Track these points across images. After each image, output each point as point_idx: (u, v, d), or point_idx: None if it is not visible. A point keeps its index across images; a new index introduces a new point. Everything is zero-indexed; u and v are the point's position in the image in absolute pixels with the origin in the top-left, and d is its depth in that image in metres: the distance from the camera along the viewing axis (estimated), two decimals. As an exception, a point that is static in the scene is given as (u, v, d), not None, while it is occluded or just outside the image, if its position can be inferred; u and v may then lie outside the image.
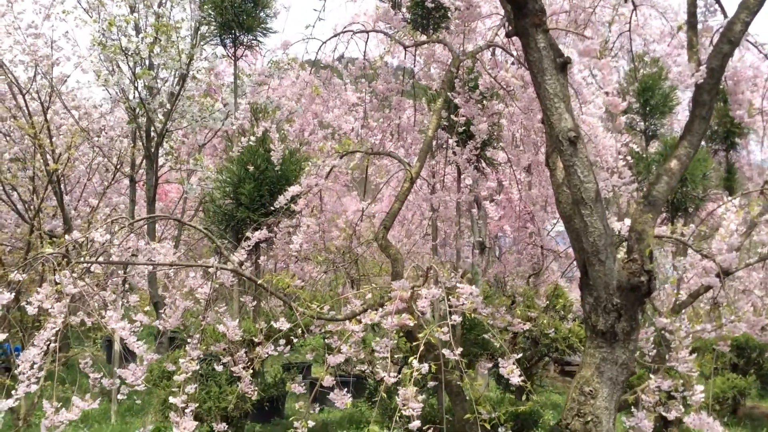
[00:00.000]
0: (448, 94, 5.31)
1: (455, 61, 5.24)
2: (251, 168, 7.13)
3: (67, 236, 5.36)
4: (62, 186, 10.17)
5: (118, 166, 10.47)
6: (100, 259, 5.14)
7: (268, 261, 6.92)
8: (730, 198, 6.19)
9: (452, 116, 5.86)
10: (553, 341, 8.81)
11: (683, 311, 5.75)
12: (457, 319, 3.91)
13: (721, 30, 3.99)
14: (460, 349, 3.81)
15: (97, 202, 10.68)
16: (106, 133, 10.74)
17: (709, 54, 3.92)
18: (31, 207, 9.51)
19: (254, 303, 6.21)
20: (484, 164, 8.00)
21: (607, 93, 4.81)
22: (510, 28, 3.78)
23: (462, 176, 7.58)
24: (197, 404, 5.27)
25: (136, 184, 10.29)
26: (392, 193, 7.71)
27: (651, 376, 4.33)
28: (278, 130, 6.48)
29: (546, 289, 8.89)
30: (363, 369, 6.42)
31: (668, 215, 9.01)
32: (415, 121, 6.71)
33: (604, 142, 5.99)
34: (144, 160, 9.58)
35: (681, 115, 11.32)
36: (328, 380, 4.70)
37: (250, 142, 6.38)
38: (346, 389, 4.57)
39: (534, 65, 3.72)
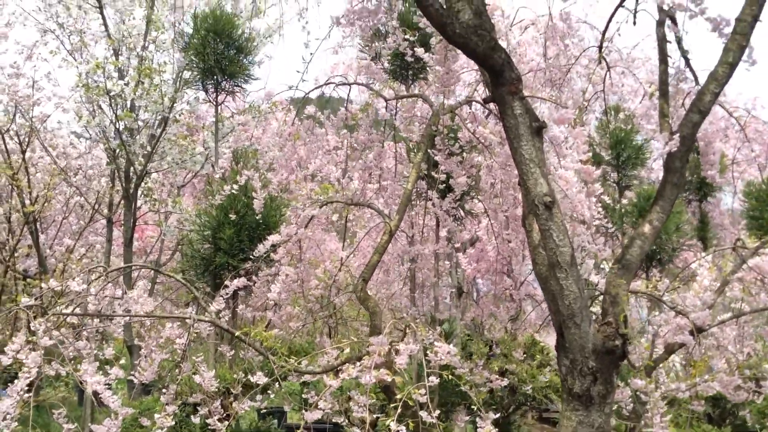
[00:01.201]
0: (429, 151, 5.40)
1: (435, 117, 5.34)
2: (233, 215, 7.14)
3: (43, 285, 5.32)
4: (38, 225, 10.08)
5: (96, 207, 10.40)
6: (77, 310, 5.08)
7: (246, 309, 6.88)
8: (703, 255, 6.34)
9: (433, 173, 5.95)
10: (532, 389, 8.82)
11: (659, 366, 5.82)
12: (434, 380, 3.92)
13: (692, 99, 4.14)
14: (437, 412, 3.81)
15: (73, 243, 10.57)
16: (84, 172, 10.69)
17: (680, 122, 4.05)
18: (6, 247, 9.38)
19: (232, 352, 6.16)
20: (462, 213, 8.09)
21: (581, 161, 4.93)
22: (487, 94, 3.88)
23: (440, 226, 7.67)
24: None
25: (113, 224, 10.22)
26: (372, 244, 7.75)
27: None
28: (260, 178, 6.50)
29: (524, 338, 8.92)
30: (340, 420, 6.36)
31: (644, 266, 9.14)
32: (396, 172, 6.79)
33: (580, 197, 6.10)
34: (122, 201, 9.54)
35: (655, 164, 11.59)
36: (309, 416, 4.63)
37: (233, 191, 6.38)
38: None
39: (510, 131, 3.82)
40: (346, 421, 7.15)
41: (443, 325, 8.79)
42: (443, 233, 7.82)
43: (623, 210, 9.44)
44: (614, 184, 9.49)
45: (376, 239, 6.96)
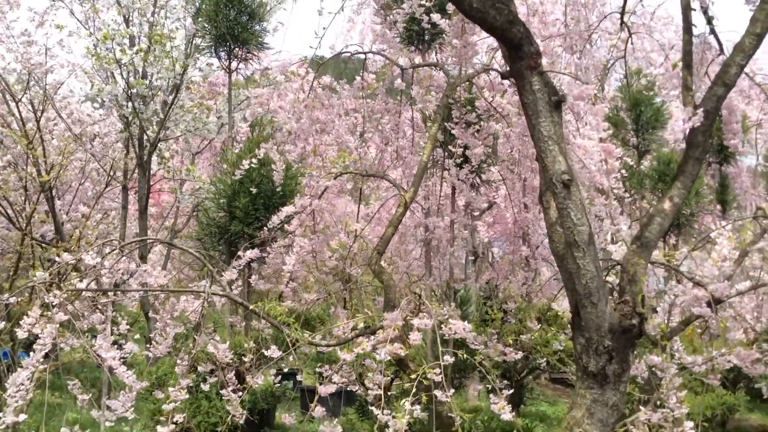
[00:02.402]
0: (445, 124, 5.29)
1: (451, 89, 5.22)
2: (253, 189, 7.08)
3: (57, 258, 5.34)
4: (53, 192, 10.11)
5: (111, 174, 10.41)
6: (92, 284, 5.11)
7: (260, 281, 6.89)
8: (722, 223, 6.22)
9: (449, 146, 5.85)
10: (544, 354, 8.83)
11: (676, 337, 5.77)
12: (449, 359, 3.90)
13: (717, 69, 4.00)
14: (452, 391, 3.81)
15: (90, 210, 10.61)
16: (100, 139, 10.67)
17: (703, 96, 3.92)
18: (23, 215, 9.45)
19: (243, 323, 6.20)
20: (479, 181, 8.00)
21: (601, 139, 4.81)
22: (505, 64, 3.77)
23: (456, 194, 7.59)
24: (185, 419, 5.27)
25: (129, 191, 10.25)
26: (387, 216, 7.70)
27: (641, 408, 4.35)
28: (278, 150, 6.41)
29: (539, 304, 8.90)
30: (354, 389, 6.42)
31: (661, 232, 9.01)
32: (413, 142, 6.70)
33: (599, 166, 5.99)
34: (136, 169, 9.54)
35: (674, 126, 11.34)
36: (323, 390, 4.67)
37: (252, 164, 6.26)
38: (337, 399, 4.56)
39: (528, 107, 3.72)
40: (362, 387, 7.23)
41: (459, 292, 8.77)
42: (460, 202, 7.74)
43: (643, 174, 9.31)
44: (633, 148, 9.32)
45: (392, 210, 6.90)
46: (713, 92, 3.84)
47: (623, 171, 9.60)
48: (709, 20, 4.46)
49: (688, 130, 3.89)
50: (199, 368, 6.05)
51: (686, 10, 4.39)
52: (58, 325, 4.56)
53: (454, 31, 5.26)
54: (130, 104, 8.65)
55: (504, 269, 10.98)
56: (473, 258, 10.97)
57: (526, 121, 3.81)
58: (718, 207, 10.67)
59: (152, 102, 9.06)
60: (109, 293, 5.33)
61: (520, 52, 3.64)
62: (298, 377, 7.05)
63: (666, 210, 3.92)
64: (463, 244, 10.47)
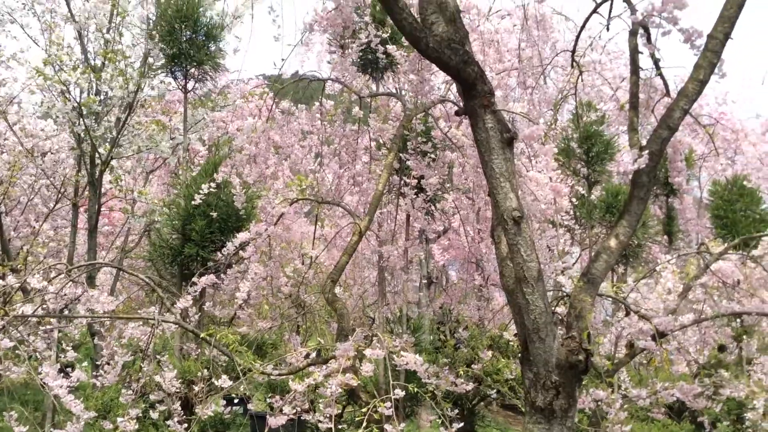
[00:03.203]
0: (401, 155, 5.35)
1: (407, 119, 5.30)
2: (213, 213, 6.97)
3: (0, 281, 5.19)
4: (1, 206, 9.85)
5: (62, 191, 10.17)
6: (38, 309, 4.97)
7: (214, 307, 6.81)
8: (667, 258, 6.43)
9: (405, 178, 5.92)
10: (495, 382, 8.91)
11: (621, 369, 5.91)
12: (400, 393, 3.92)
13: (662, 110, 4.15)
14: (402, 425, 3.82)
15: (39, 226, 10.35)
16: (51, 154, 10.43)
17: (648, 138, 4.06)
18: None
19: (197, 349, 6.11)
20: (433, 208, 8.08)
21: (550, 178, 4.93)
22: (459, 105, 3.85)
23: (411, 221, 7.65)
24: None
25: (79, 209, 10.01)
26: (342, 243, 7.71)
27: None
28: (237, 173, 6.33)
29: (489, 333, 9.00)
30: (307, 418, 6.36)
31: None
32: (370, 168, 6.74)
33: (549, 199, 6.13)
34: (87, 186, 9.34)
35: (625, 157, 11.68)
36: (273, 422, 4.62)
37: (211, 188, 6.15)
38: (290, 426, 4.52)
39: (481, 144, 3.80)
40: (314, 415, 7.17)
41: (412, 320, 8.81)
42: (415, 227, 7.81)
43: (592, 204, 9.52)
44: (584, 179, 9.55)
45: (347, 237, 6.92)
46: (658, 135, 3.98)
47: (573, 200, 9.85)
48: (656, 63, 4.63)
49: (633, 172, 4.01)
50: (151, 396, 5.93)
51: (634, 53, 4.56)
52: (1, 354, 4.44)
53: (411, 65, 5.35)
54: (82, 121, 8.49)
55: (457, 294, 11.08)
56: (427, 282, 11.04)
57: (479, 158, 3.88)
58: (665, 238, 10.98)
59: (105, 119, 8.91)
60: (55, 319, 5.20)
61: (474, 90, 3.72)
62: (249, 405, 6.95)
63: (612, 247, 4.03)
64: (417, 268, 10.55)
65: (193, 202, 5.74)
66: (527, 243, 3.73)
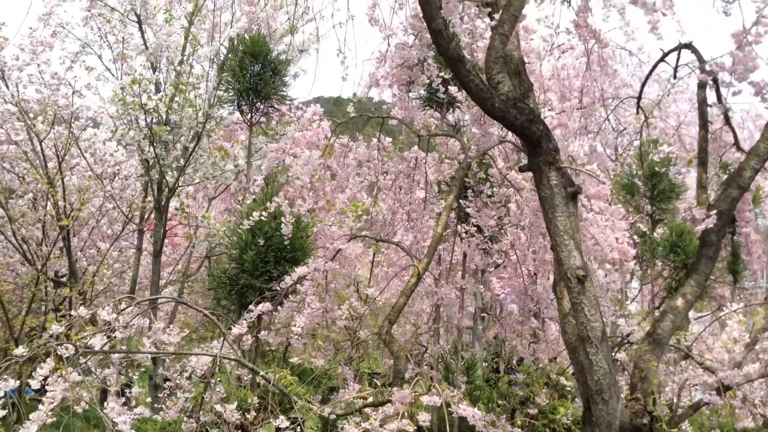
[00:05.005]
0: (461, 202, 5.38)
1: (466, 164, 5.32)
2: (261, 241, 7.16)
3: (72, 312, 5.42)
4: (70, 228, 10.26)
5: (130, 217, 10.56)
6: (104, 339, 5.16)
7: (269, 334, 6.92)
8: (734, 308, 6.22)
9: (463, 225, 5.93)
10: (551, 422, 8.75)
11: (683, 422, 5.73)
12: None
13: (732, 172, 4.06)
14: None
15: (107, 248, 10.76)
16: (120, 180, 10.86)
17: (717, 195, 3.97)
18: (39, 255, 9.57)
19: (250, 375, 6.22)
20: (490, 245, 8.05)
21: (617, 239, 4.86)
22: (524, 162, 3.85)
23: (467, 260, 7.63)
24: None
25: (144, 232, 10.36)
26: (399, 284, 7.74)
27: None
28: (290, 204, 6.48)
29: (546, 369, 8.85)
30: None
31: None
32: (425, 206, 6.78)
33: (610, 241, 6.01)
34: (153, 212, 9.66)
35: (690, 194, 11.38)
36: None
37: (262, 217, 6.35)
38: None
39: (545, 201, 3.79)
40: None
41: (465, 359, 8.75)
42: (471, 265, 7.78)
43: (655, 242, 9.32)
44: (648, 216, 9.36)
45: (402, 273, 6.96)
46: (727, 194, 3.90)
47: (635, 237, 9.64)
48: (726, 116, 4.53)
49: (701, 231, 3.93)
50: (203, 418, 6.08)
51: (702, 105, 4.48)
52: (69, 385, 4.62)
53: (472, 118, 5.38)
54: (152, 149, 8.81)
55: (512, 325, 10.96)
56: (482, 315, 10.95)
57: (542, 214, 3.87)
58: (730, 277, 10.62)
59: (174, 148, 9.23)
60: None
61: (538, 148, 3.73)
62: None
63: (679, 307, 3.95)
64: (472, 297, 10.49)
65: (240, 227, 5.86)
66: (591, 302, 3.69)
